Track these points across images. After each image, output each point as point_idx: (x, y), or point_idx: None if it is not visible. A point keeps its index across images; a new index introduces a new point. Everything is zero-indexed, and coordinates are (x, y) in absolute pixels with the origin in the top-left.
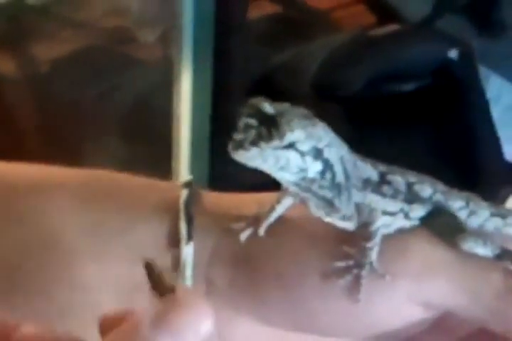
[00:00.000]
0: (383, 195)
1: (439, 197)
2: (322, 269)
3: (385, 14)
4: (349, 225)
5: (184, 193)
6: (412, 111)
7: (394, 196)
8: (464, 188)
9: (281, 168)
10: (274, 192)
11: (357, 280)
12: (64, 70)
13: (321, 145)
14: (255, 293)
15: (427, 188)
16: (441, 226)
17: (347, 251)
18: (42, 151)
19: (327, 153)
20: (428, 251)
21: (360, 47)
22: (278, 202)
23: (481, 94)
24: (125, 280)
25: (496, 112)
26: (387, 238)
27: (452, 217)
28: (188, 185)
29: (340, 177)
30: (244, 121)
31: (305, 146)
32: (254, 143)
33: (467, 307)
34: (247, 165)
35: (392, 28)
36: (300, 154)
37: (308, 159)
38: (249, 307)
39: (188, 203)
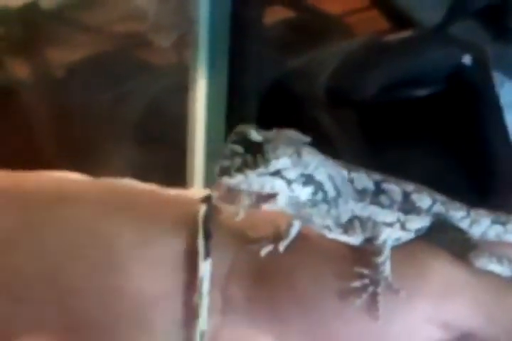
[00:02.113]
0: (381, 205)
1: (439, 207)
2: (339, 290)
3: (399, 19)
4: (353, 240)
5: (203, 208)
6: (426, 116)
7: (391, 206)
8: (477, 195)
9: (269, 198)
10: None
11: (374, 297)
12: (79, 75)
13: (308, 171)
14: (274, 310)
15: (426, 198)
16: (449, 241)
17: (361, 271)
18: (57, 155)
19: (317, 176)
20: (448, 270)
21: (373, 52)
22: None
23: (495, 99)
24: (140, 296)
25: (510, 118)
26: (401, 254)
27: (458, 231)
28: (206, 199)
29: (332, 194)
30: (230, 147)
31: (292, 174)
32: (240, 170)
33: (487, 329)
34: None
35: (406, 33)
36: (287, 182)
37: (296, 186)
38: (267, 326)
39: (207, 219)
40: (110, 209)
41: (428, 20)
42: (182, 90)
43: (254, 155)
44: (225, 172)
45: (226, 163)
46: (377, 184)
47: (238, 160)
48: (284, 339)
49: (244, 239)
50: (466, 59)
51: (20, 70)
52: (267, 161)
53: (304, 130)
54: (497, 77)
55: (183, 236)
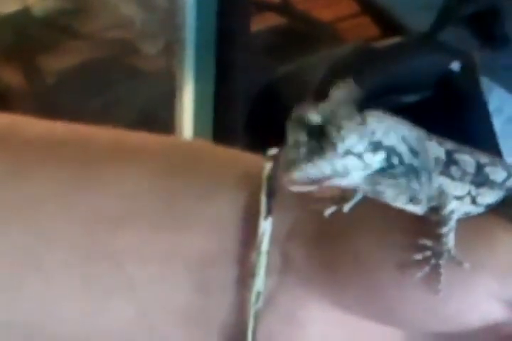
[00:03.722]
0: (452, 177)
1: None
2: (401, 260)
3: (389, 26)
4: (418, 209)
5: (268, 166)
6: (415, 122)
7: (462, 178)
8: None
9: (342, 176)
10: None
11: (436, 270)
12: (69, 81)
13: (376, 138)
14: (332, 273)
15: (501, 172)
16: None
17: (424, 243)
18: None
19: (386, 141)
20: None
21: (362, 58)
22: None
23: (482, 105)
24: (197, 254)
25: (498, 124)
26: (466, 224)
27: None
28: (273, 158)
29: (408, 157)
30: (292, 137)
31: (360, 147)
32: (308, 159)
33: None
34: (302, 191)
35: (395, 40)
36: (357, 156)
37: (367, 156)
38: (324, 288)
39: (271, 177)
40: (172, 164)
41: (417, 26)
42: (169, 97)
43: (319, 139)
44: (292, 164)
45: (292, 154)
46: (448, 153)
47: (303, 149)
48: (340, 304)
49: (308, 199)
50: (455, 65)
51: (11, 76)
52: (333, 145)
53: None
54: (485, 83)
55: (246, 193)
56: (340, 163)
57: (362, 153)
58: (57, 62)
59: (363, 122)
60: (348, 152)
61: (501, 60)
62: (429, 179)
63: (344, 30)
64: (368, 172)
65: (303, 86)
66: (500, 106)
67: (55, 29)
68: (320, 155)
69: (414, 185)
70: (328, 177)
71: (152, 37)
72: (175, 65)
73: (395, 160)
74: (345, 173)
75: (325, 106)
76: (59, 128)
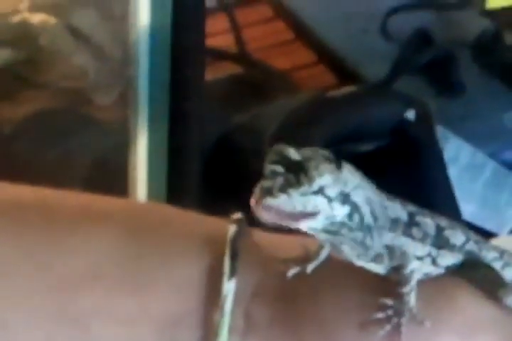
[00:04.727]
0: (413, 237)
1: (472, 246)
2: (362, 319)
3: (345, 75)
4: (380, 269)
5: (232, 229)
6: (370, 171)
7: (423, 239)
8: None
9: (307, 217)
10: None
11: (397, 328)
12: (24, 131)
13: (347, 190)
14: (294, 333)
15: (460, 235)
16: (479, 279)
17: (385, 302)
18: None
19: (354, 196)
20: (477, 307)
21: (317, 107)
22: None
23: (438, 154)
24: (163, 314)
25: (455, 172)
26: (428, 284)
27: (489, 270)
28: (237, 222)
29: (368, 219)
30: (270, 168)
31: (333, 191)
32: (283, 189)
33: None
34: (267, 224)
35: (351, 88)
36: (328, 200)
37: (336, 204)
38: None
39: (235, 239)
40: (138, 228)
41: (373, 76)
42: (123, 147)
43: (296, 174)
44: (268, 192)
45: (267, 183)
46: (410, 215)
47: (280, 180)
48: None
49: (271, 260)
50: (410, 114)
51: None
52: (310, 179)
53: (249, 186)
54: (441, 132)
55: (210, 254)
56: (312, 200)
57: (332, 198)
58: (11, 112)
59: (339, 169)
60: (321, 190)
61: (457, 108)
62: (379, 237)
63: (300, 79)
64: (329, 221)
65: (259, 135)
66: (456, 155)
67: (8, 79)
68: (295, 188)
69: (367, 240)
70: (297, 215)
71: (106, 87)
72: (128, 115)
73: (356, 219)
74: (313, 213)
75: (306, 150)
76: (26, 192)
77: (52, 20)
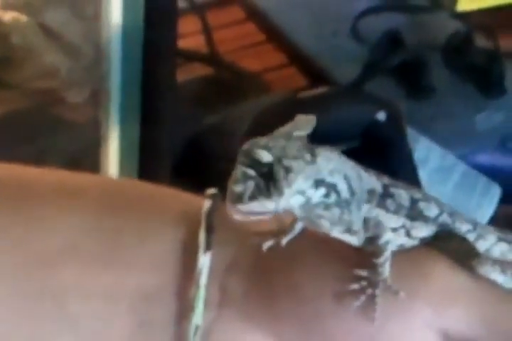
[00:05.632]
0: (387, 209)
1: (445, 218)
2: (338, 291)
3: (316, 77)
4: (355, 240)
5: (207, 204)
6: None
7: (397, 211)
8: None
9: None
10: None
11: (371, 299)
12: None
13: (321, 176)
14: (269, 305)
15: (433, 208)
16: (453, 250)
17: (360, 273)
18: None
19: (329, 179)
20: (450, 276)
21: (288, 108)
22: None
23: (408, 155)
24: (139, 289)
25: (425, 173)
26: (401, 255)
27: (463, 241)
28: (212, 196)
29: (345, 194)
30: (241, 170)
31: (305, 185)
32: (253, 198)
33: (487, 339)
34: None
35: (322, 90)
36: (301, 193)
37: (310, 191)
38: (262, 321)
39: (210, 213)
40: (114, 203)
41: (344, 77)
42: (95, 146)
43: (266, 179)
44: (239, 198)
45: (238, 188)
46: (385, 187)
47: (251, 184)
48: (279, 336)
49: (247, 234)
50: (380, 115)
51: None
52: (280, 190)
53: (219, 186)
54: (411, 133)
55: (185, 229)
56: (284, 202)
57: (305, 190)
58: None
59: (313, 160)
60: (293, 193)
61: (427, 110)
62: (358, 209)
63: (272, 81)
64: (306, 205)
65: (230, 136)
66: (427, 156)
67: None
68: (266, 196)
69: (346, 215)
70: (271, 212)
71: (77, 86)
72: (100, 114)
73: (333, 196)
74: (287, 208)
75: (276, 141)
76: (1, 169)
77: (24, 18)
